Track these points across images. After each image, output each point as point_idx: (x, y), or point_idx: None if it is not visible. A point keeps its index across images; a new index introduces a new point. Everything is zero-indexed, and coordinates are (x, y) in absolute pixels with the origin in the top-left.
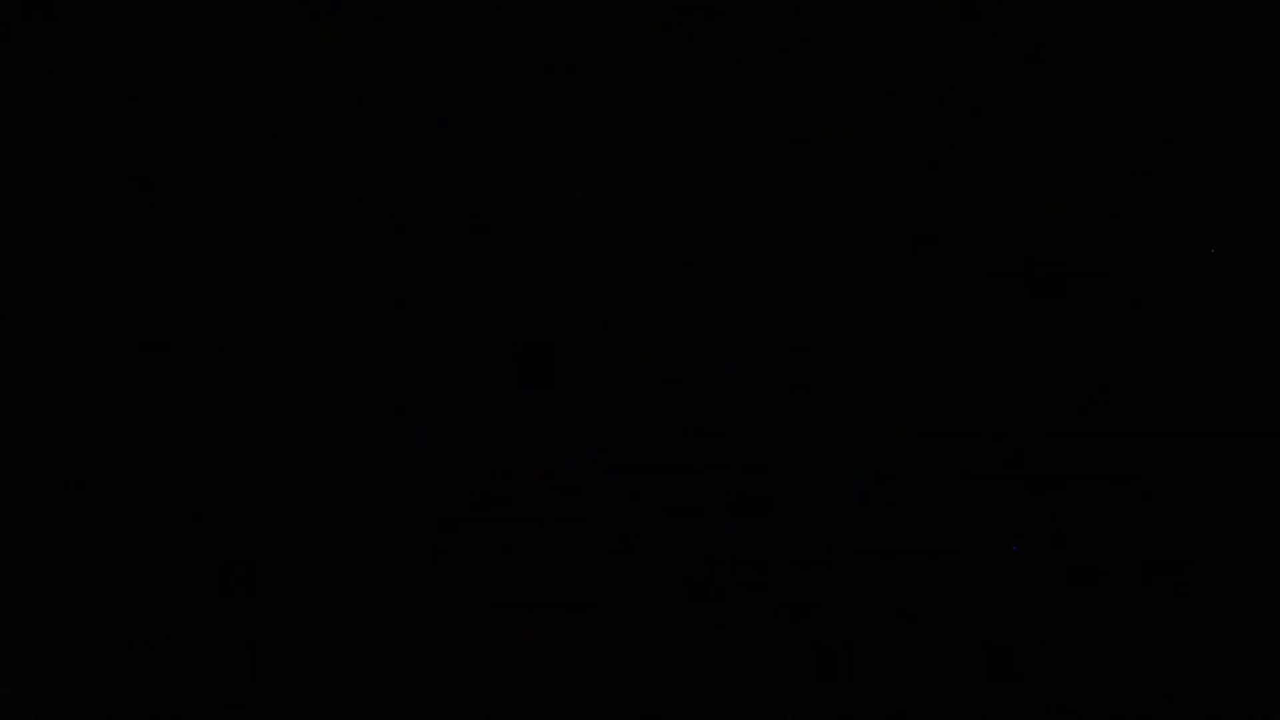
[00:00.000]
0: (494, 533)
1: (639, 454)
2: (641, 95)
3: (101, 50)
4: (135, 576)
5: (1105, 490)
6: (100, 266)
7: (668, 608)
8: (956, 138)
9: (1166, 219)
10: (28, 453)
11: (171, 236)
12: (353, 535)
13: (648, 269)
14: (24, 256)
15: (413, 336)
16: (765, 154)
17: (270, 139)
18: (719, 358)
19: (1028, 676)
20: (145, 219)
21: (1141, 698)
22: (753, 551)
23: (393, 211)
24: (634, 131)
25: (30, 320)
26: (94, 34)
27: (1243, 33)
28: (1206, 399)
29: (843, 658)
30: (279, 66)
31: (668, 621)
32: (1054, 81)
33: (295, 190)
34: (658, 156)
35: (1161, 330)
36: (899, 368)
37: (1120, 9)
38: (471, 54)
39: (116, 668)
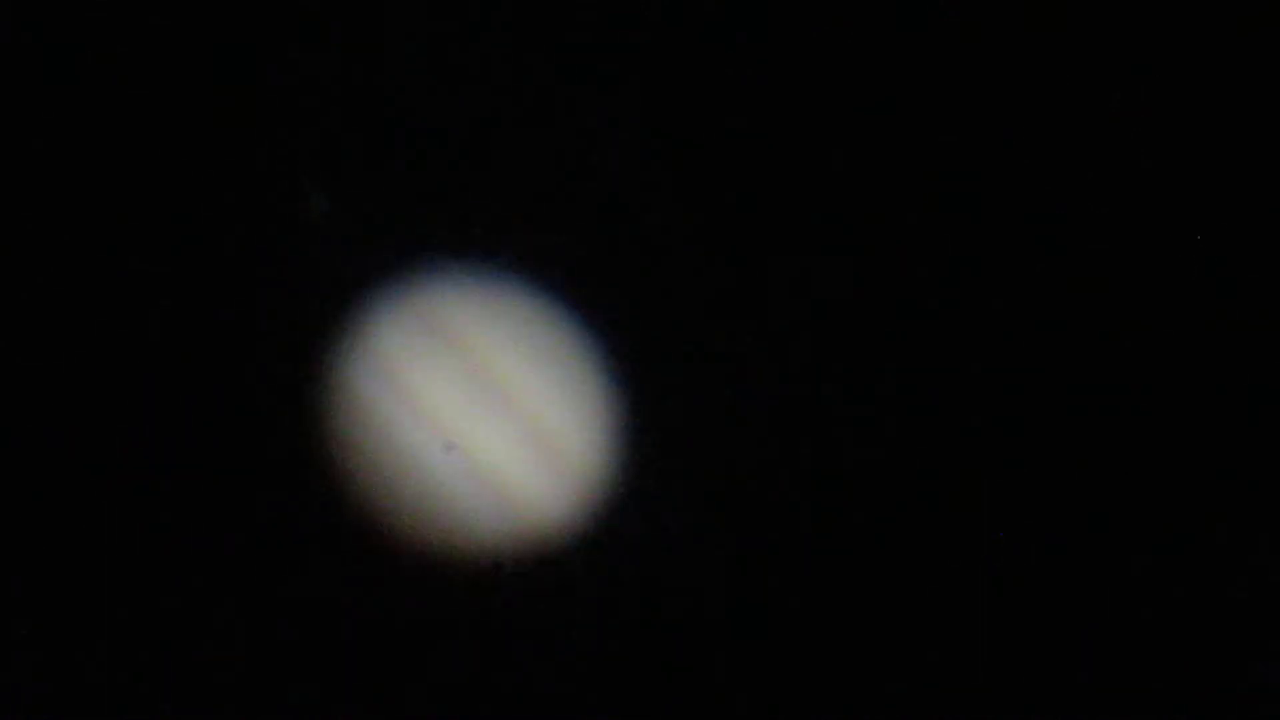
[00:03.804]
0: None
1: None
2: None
3: None
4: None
5: (1105, 489)
6: None
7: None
8: (956, 138)
9: (1166, 219)
10: None
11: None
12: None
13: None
14: None
15: None
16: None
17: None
18: (716, 356)
19: (1026, 676)
20: None
21: (1141, 697)
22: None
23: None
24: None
25: None
26: None
27: (1243, 33)
28: (1207, 398)
29: (839, 659)
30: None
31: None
32: (1054, 81)
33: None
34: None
35: (1161, 331)
36: (895, 366)
37: (1120, 9)
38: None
39: None
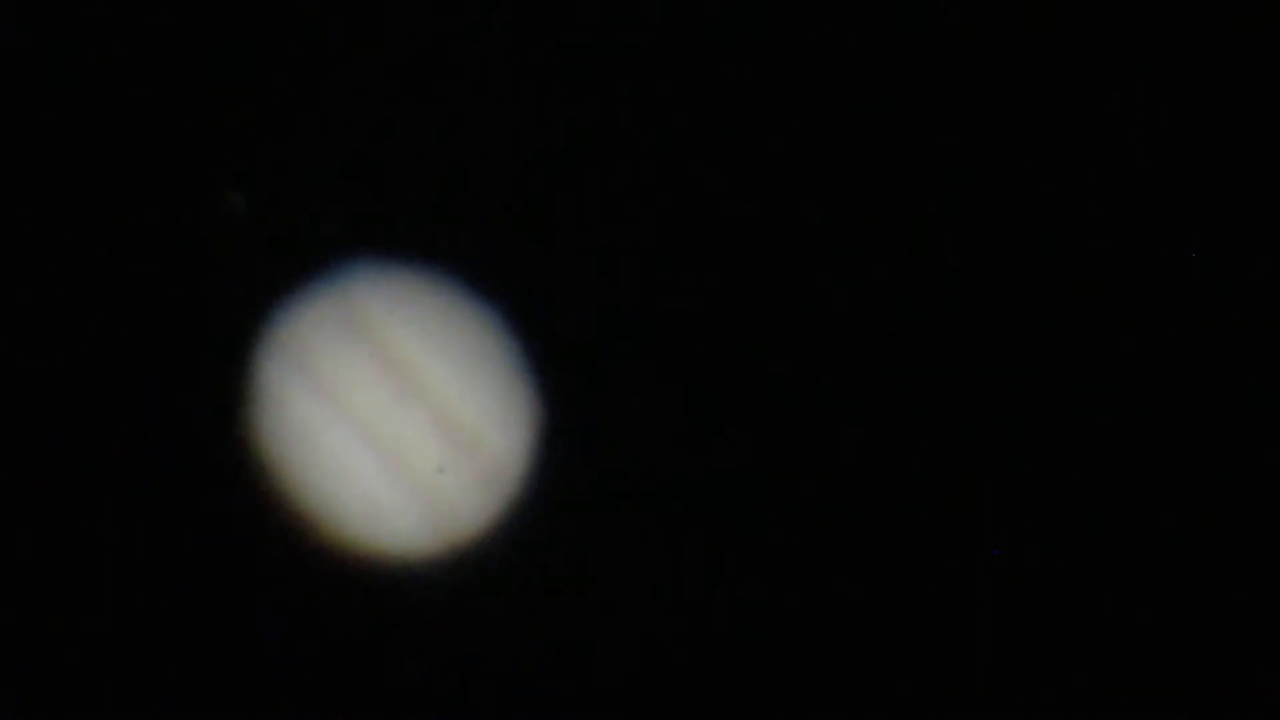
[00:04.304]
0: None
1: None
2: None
3: None
4: None
5: (1104, 490)
6: None
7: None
8: (953, 139)
9: (1166, 218)
10: None
11: None
12: None
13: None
14: None
15: None
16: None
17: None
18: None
19: (1023, 677)
20: None
21: (1139, 697)
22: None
23: None
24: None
25: None
26: None
27: (1243, 33)
28: (1206, 399)
29: (836, 660)
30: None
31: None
32: (1053, 81)
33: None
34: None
35: (1161, 331)
36: (893, 365)
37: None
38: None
39: None
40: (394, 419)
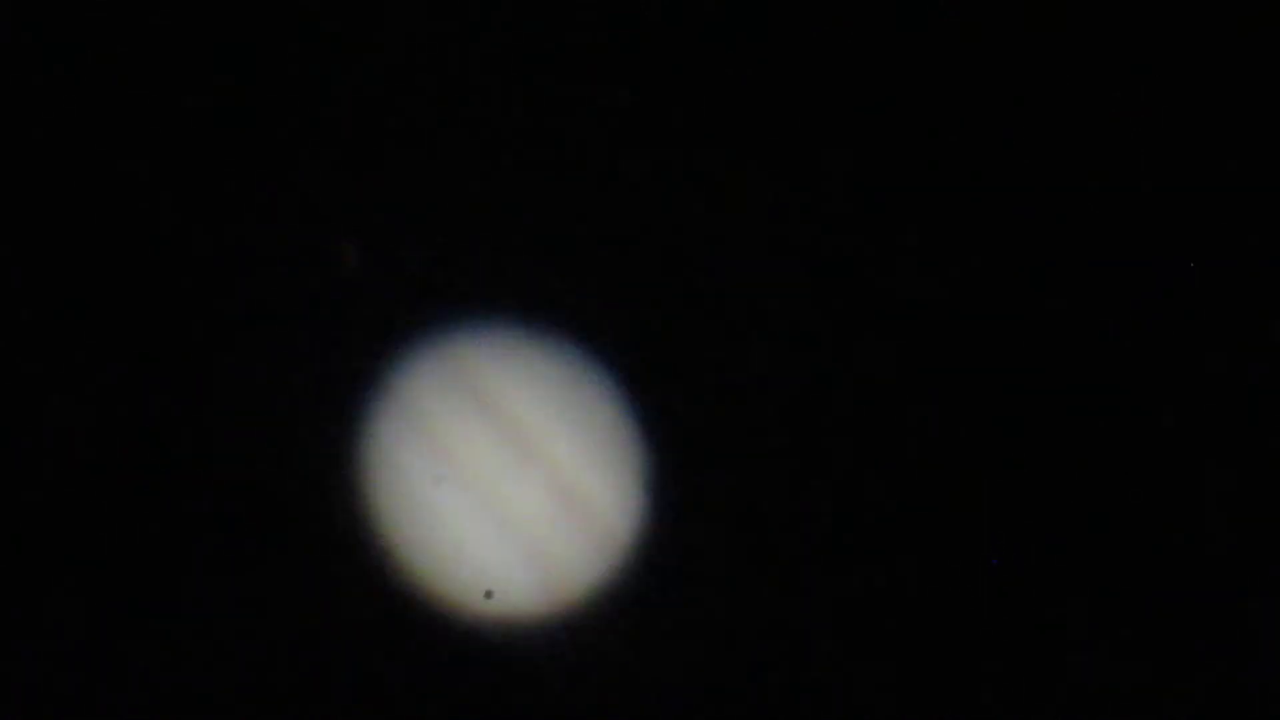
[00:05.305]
0: None
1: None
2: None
3: None
4: None
5: (1103, 489)
6: None
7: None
8: (955, 140)
9: (1164, 219)
10: None
11: None
12: None
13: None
14: None
15: None
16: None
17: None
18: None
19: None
20: None
21: (1138, 697)
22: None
23: None
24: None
25: None
26: None
27: (1243, 33)
28: (1204, 400)
29: (835, 658)
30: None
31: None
32: (1053, 81)
33: None
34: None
35: (1160, 331)
36: (892, 364)
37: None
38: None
39: None
40: (507, 481)
